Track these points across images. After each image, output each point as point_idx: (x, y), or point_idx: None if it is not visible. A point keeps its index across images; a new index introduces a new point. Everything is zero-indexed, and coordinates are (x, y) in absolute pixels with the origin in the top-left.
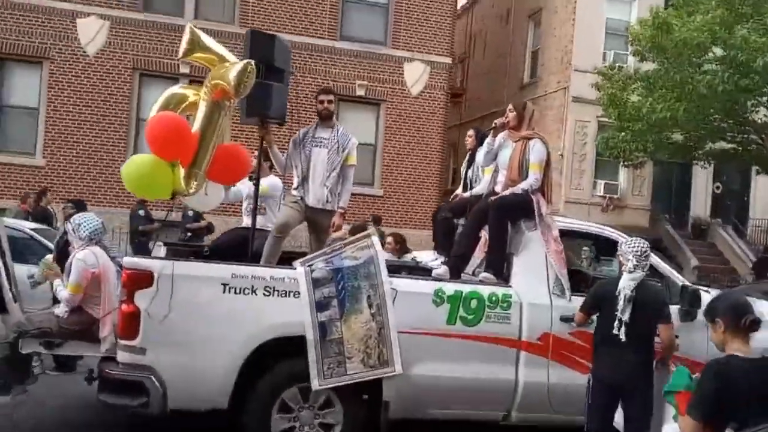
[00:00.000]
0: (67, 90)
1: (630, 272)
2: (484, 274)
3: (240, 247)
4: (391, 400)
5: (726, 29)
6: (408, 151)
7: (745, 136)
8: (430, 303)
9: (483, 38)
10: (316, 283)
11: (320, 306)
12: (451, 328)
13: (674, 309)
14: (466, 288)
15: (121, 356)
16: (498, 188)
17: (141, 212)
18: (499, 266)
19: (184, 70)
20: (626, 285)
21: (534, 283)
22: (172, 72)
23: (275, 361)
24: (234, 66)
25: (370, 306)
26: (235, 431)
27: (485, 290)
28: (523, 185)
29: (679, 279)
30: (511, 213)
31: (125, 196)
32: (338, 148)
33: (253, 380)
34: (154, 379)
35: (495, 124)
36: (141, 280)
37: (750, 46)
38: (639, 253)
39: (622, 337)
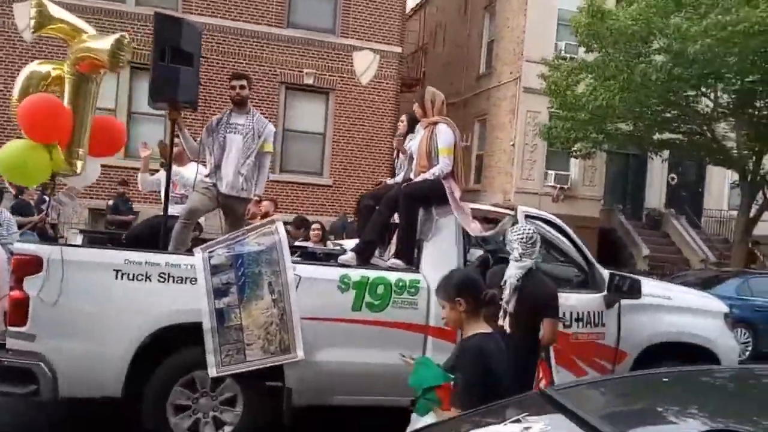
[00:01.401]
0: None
1: (516, 261)
2: (392, 260)
3: (157, 235)
4: (293, 387)
5: (663, 18)
6: (358, 140)
7: (690, 126)
8: (336, 289)
9: (442, 29)
10: (215, 269)
11: (218, 293)
12: (357, 314)
13: (596, 296)
14: (372, 274)
15: (10, 343)
16: (412, 175)
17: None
18: (409, 252)
19: None
20: (512, 274)
21: (443, 269)
22: None
23: (171, 349)
24: (104, 38)
25: (271, 292)
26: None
27: (392, 276)
28: (434, 170)
29: (600, 268)
30: (420, 199)
31: None
32: (254, 134)
33: (148, 369)
34: (43, 365)
35: (401, 120)
36: (30, 265)
37: (682, 34)
38: (525, 240)
39: (507, 328)
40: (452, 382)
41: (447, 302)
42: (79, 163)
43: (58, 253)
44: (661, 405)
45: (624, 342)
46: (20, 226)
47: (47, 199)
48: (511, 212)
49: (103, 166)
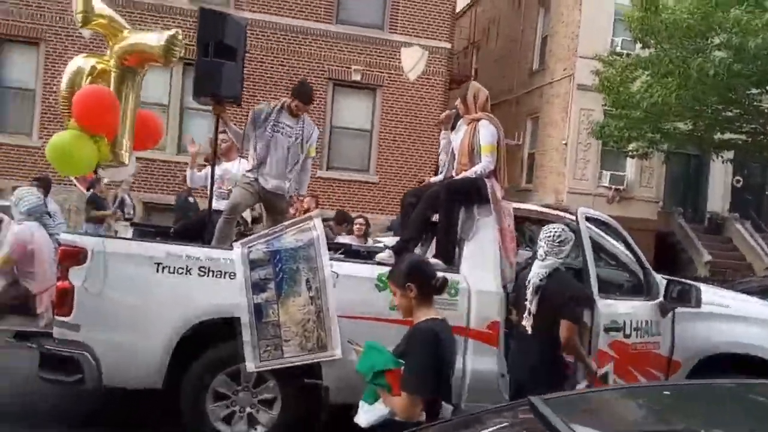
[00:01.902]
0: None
1: (541, 259)
2: (431, 260)
3: (205, 229)
4: (331, 385)
5: (722, 11)
6: (405, 137)
7: (753, 126)
8: (372, 288)
9: (495, 24)
10: (253, 264)
11: (257, 288)
12: (393, 313)
13: (652, 303)
14: None
15: (57, 332)
16: (454, 173)
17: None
18: (449, 252)
19: None
20: (535, 273)
21: (483, 270)
22: None
23: (210, 342)
24: (154, 34)
25: (309, 289)
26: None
27: None
28: (476, 169)
29: (656, 274)
30: (460, 197)
31: None
32: (302, 140)
33: (188, 361)
34: (88, 355)
35: (441, 117)
36: (75, 256)
37: (743, 28)
38: (552, 239)
39: (528, 329)
40: (403, 367)
41: (397, 288)
42: (125, 155)
43: (102, 245)
44: (643, 421)
45: (677, 352)
46: (92, 220)
47: (125, 197)
48: (562, 213)
49: (158, 160)
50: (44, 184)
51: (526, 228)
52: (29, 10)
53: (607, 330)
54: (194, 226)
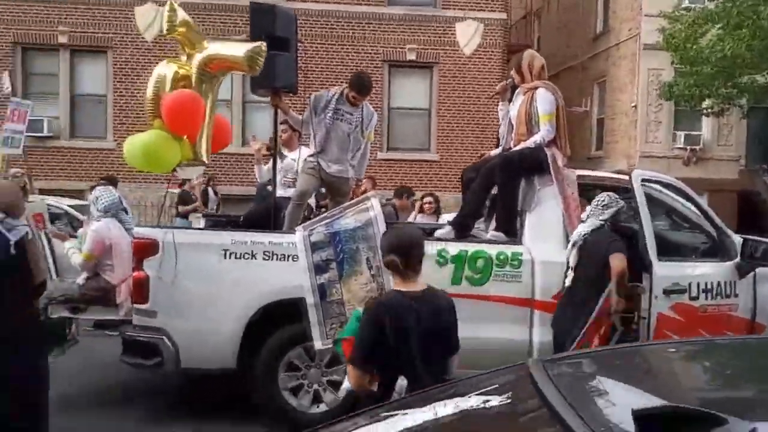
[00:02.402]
0: (131, 76)
1: (583, 221)
2: (492, 233)
3: (273, 217)
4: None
5: None
6: (464, 113)
7: None
8: (434, 263)
9: None
10: (314, 246)
11: (319, 269)
12: (456, 288)
13: (727, 264)
14: (470, 247)
15: (136, 319)
16: (512, 145)
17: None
18: (510, 225)
19: None
20: (577, 232)
21: (547, 241)
22: None
23: (279, 322)
24: (241, 44)
25: (369, 268)
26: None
27: (492, 249)
28: (535, 138)
29: (732, 234)
30: (519, 169)
31: None
32: (362, 127)
33: (259, 342)
34: (166, 339)
35: (497, 89)
36: (148, 248)
37: None
38: (596, 204)
39: (568, 281)
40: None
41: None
42: (204, 155)
43: (171, 237)
44: (639, 378)
45: (762, 314)
46: (181, 214)
47: (209, 191)
48: (619, 176)
49: (225, 153)
50: (112, 183)
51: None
52: (96, 20)
53: (668, 293)
54: (262, 214)
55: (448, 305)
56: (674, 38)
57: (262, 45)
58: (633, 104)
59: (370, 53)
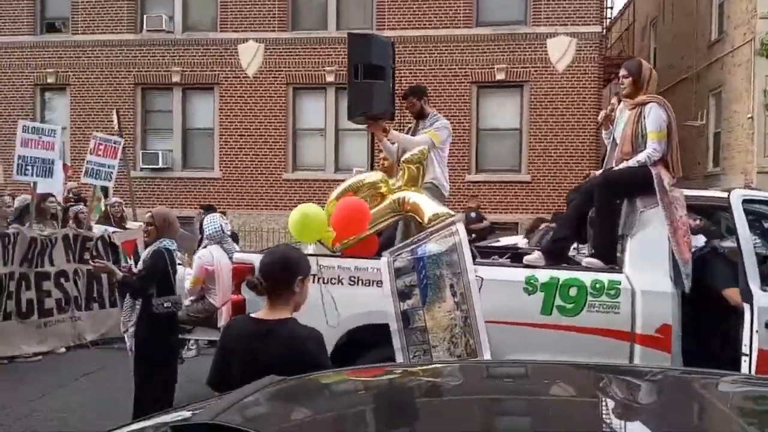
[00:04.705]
0: (235, 110)
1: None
2: (587, 260)
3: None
4: None
5: None
6: (557, 131)
7: None
8: (521, 291)
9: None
10: (398, 272)
11: (403, 295)
12: (546, 318)
13: None
14: (563, 275)
15: None
16: (614, 164)
17: None
18: (607, 250)
19: (330, 78)
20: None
21: (651, 268)
22: (319, 82)
23: (364, 348)
24: (431, 203)
25: (453, 295)
26: None
27: (587, 277)
28: (639, 157)
29: None
30: (619, 189)
31: (288, 198)
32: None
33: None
34: None
35: (599, 119)
36: (246, 272)
37: None
38: None
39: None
40: None
41: (300, 283)
42: (337, 247)
43: None
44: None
45: None
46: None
47: None
48: (719, 195)
49: (319, 180)
50: (212, 211)
51: (720, 216)
52: (204, 59)
53: None
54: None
55: (303, 340)
56: None
57: (449, 214)
58: (749, 115)
59: (458, 75)
